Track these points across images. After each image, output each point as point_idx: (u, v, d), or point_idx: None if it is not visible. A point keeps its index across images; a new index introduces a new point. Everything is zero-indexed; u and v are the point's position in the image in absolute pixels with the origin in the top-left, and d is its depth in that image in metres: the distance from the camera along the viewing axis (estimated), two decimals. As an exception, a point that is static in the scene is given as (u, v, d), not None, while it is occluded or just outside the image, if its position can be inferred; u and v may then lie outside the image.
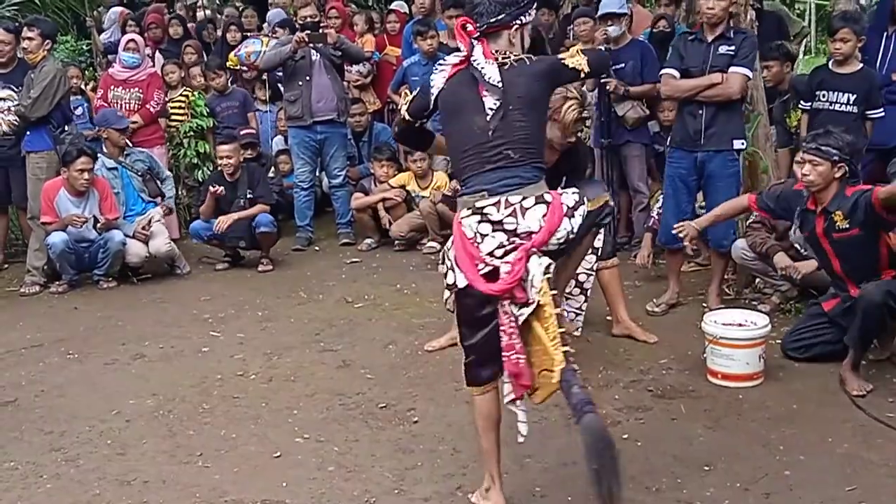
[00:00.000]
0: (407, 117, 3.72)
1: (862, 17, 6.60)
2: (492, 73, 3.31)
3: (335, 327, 5.92)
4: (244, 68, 9.48)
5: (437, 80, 3.48)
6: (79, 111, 8.39)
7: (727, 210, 5.27)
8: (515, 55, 3.40)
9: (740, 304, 5.79)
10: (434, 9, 9.11)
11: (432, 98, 3.51)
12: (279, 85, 8.93)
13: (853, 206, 4.63)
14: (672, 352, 5.16)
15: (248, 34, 9.81)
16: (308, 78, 7.87)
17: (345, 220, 8.23)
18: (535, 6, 3.55)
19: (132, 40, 8.44)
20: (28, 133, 7.27)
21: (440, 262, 3.55)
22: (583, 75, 3.53)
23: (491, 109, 3.32)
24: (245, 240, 7.48)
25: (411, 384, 4.92)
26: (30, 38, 7.26)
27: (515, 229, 3.26)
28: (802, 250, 5.49)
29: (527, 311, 3.21)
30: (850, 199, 4.65)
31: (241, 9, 11.22)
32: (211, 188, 7.42)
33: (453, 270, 3.39)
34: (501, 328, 3.25)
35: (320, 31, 7.83)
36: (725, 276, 6.12)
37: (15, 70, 7.37)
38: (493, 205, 3.29)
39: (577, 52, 3.53)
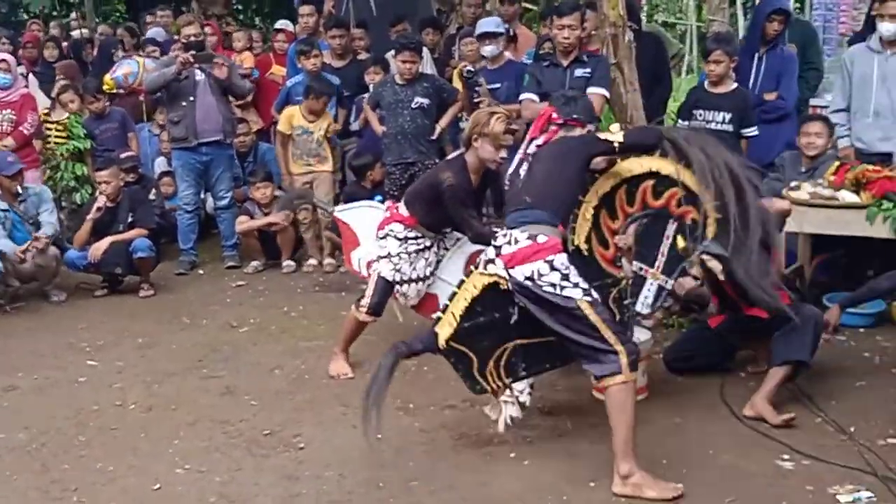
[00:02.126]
0: None
1: (734, 38, 6.84)
2: (532, 148, 4.24)
3: (219, 353, 5.78)
4: (121, 90, 9.23)
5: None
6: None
7: None
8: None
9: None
10: (318, 29, 9.04)
11: None
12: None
13: None
14: (560, 369, 5.19)
15: (125, 55, 9.56)
16: (192, 98, 7.66)
17: (230, 242, 8.04)
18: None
19: (3, 60, 8.11)
20: None
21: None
22: (617, 146, 4.08)
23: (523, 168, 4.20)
24: (122, 266, 7.23)
25: (297, 409, 4.83)
26: None
27: (500, 248, 3.89)
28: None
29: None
30: None
31: (115, 29, 10.95)
32: (98, 203, 7.19)
33: None
34: None
35: (205, 50, 7.67)
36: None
37: None
38: (503, 235, 3.94)
39: (618, 130, 4.18)
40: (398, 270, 5.16)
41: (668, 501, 3.70)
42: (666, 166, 4.09)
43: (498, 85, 7.03)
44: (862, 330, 5.69)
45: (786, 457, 4.08)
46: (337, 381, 5.19)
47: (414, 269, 5.20)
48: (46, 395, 5.19)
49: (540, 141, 4.22)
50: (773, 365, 4.56)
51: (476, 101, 6.82)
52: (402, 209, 5.21)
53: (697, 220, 4.07)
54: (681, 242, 4.13)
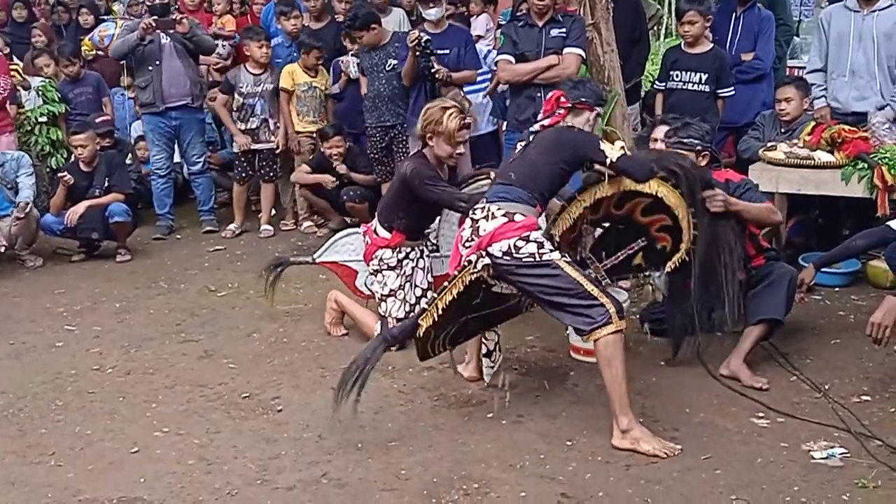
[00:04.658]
0: None
1: (707, -2, 6.78)
2: (536, 126, 4.31)
3: (197, 317, 5.76)
4: (100, 52, 9.12)
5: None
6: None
7: None
8: (570, 123, 4.23)
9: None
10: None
11: None
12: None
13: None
14: (537, 330, 5.20)
15: (104, 17, 9.43)
16: (158, 62, 7.60)
17: (207, 207, 8.02)
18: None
19: (-28, 24, 8.00)
20: None
21: None
22: (608, 163, 4.03)
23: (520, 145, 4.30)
24: (98, 230, 7.17)
25: (276, 372, 4.83)
26: None
27: (478, 229, 3.96)
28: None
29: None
30: (720, 185, 4.70)
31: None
32: (62, 177, 7.10)
33: None
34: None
35: (170, 15, 7.58)
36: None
37: None
38: (481, 208, 4.01)
39: (622, 147, 4.13)
40: (406, 301, 5.02)
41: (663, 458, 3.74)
42: (671, 198, 4.15)
43: (447, 51, 6.78)
44: (837, 289, 5.73)
45: (761, 414, 4.11)
46: (315, 344, 5.19)
47: (416, 286, 5.07)
48: (23, 360, 5.17)
49: (546, 122, 4.25)
50: (748, 324, 4.59)
51: (433, 70, 6.56)
52: (381, 231, 5.01)
53: (666, 248, 4.29)
54: (638, 259, 4.39)
